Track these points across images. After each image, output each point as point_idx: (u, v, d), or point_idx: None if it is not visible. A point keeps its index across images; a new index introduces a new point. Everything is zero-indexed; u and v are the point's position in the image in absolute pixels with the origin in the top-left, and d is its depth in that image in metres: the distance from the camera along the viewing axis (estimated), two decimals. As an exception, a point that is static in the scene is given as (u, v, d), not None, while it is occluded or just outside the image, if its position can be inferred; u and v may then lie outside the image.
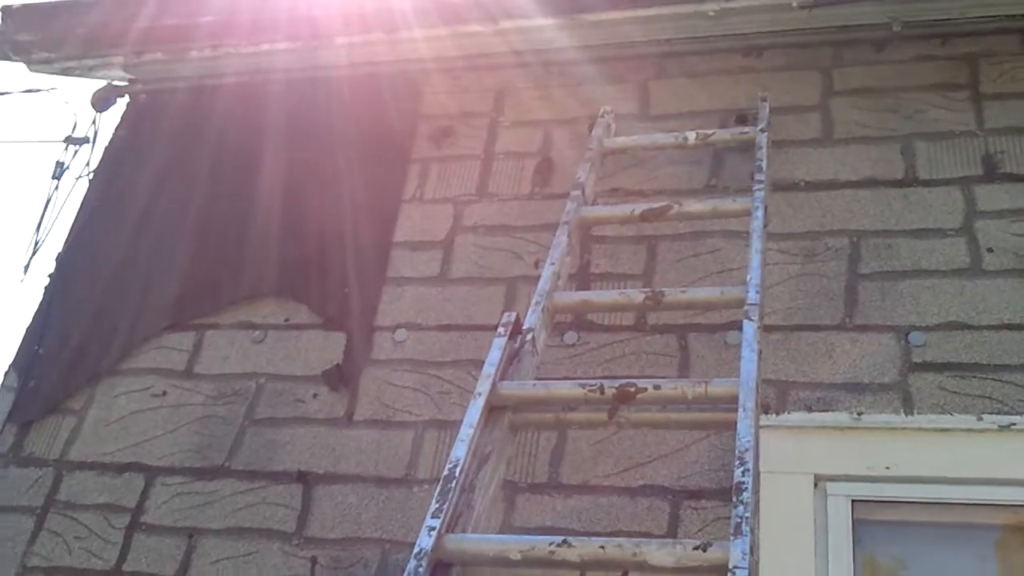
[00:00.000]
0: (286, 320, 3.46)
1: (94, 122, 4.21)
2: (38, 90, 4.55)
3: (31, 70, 4.27)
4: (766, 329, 2.94)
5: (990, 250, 2.94)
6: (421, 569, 1.84)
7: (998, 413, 2.67)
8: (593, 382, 2.24)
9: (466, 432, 2.12)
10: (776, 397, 2.86)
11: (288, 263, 3.55)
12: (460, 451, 2.08)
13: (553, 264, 2.72)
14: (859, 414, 2.76)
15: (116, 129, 4.17)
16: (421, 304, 3.35)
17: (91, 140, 4.17)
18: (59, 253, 3.86)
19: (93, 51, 4.06)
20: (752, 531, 1.78)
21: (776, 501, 2.68)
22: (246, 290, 3.53)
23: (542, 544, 1.87)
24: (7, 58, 4.20)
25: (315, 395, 3.26)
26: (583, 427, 2.43)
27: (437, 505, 1.96)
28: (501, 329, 2.40)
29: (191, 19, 3.89)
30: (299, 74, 3.99)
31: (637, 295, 2.59)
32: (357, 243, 3.53)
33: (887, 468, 2.65)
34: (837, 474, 2.70)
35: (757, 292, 2.47)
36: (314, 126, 3.85)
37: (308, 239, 3.58)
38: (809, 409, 2.82)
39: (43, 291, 3.78)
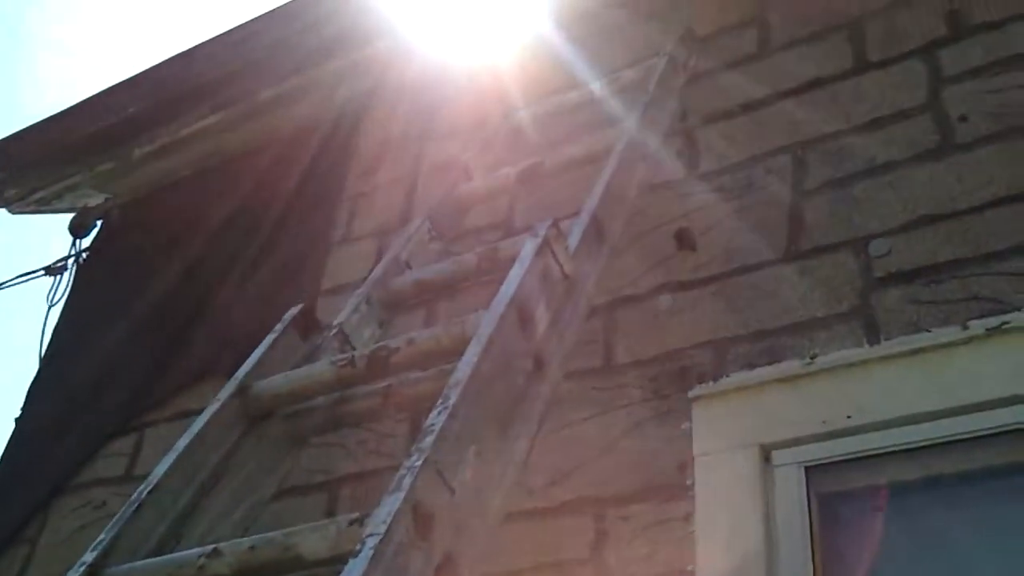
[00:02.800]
0: (218, 399, 3.10)
1: (72, 248, 4.09)
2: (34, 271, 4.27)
3: (12, 212, 4.25)
4: (702, 283, 2.36)
5: (963, 118, 2.25)
6: (42, 617, 1.37)
7: (992, 315, 1.95)
8: (342, 356, 1.74)
9: (179, 445, 1.67)
10: (713, 360, 2.23)
11: (222, 341, 3.21)
12: (159, 468, 1.62)
13: (394, 251, 2.25)
14: (812, 357, 2.10)
15: (88, 252, 4.05)
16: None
17: (70, 267, 4.03)
18: (29, 386, 3.70)
19: (50, 174, 3.98)
20: (425, 490, 1.23)
21: (719, 488, 2.05)
22: (182, 378, 3.22)
23: (191, 560, 1.38)
24: (-16, 203, 4.19)
25: (238, 473, 2.86)
26: (361, 420, 1.91)
27: (102, 536, 1.51)
28: (278, 326, 1.95)
29: (120, 114, 3.73)
30: (241, 146, 3.74)
31: (470, 259, 2.06)
32: (286, 302, 3.16)
33: (848, 417, 1.97)
34: (787, 439, 2.03)
35: (590, 213, 1.92)
36: (255, 195, 3.57)
37: (242, 311, 3.25)
38: (752, 366, 2.17)
39: (14, 424, 3.60)
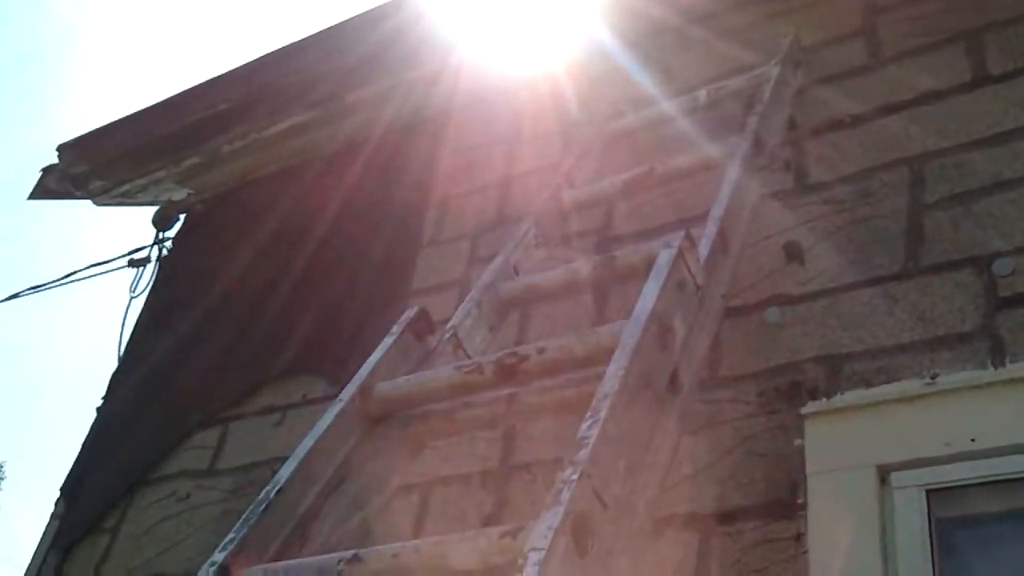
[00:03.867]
0: (304, 396, 3.10)
1: (157, 240, 4.12)
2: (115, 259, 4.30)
3: (97, 204, 4.29)
4: (812, 297, 2.31)
5: (1092, 137, 2.18)
6: (178, 616, 1.37)
7: None
8: (470, 361, 1.72)
9: (304, 446, 1.65)
10: (826, 376, 2.18)
11: (306, 337, 3.22)
12: (285, 470, 1.61)
13: (504, 256, 2.23)
14: (933, 377, 2.04)
15: (172, 245, 4.08)
16: (436, 352, 2.91)
17: (153, 260, 4.06)
18: (112, 374, 3.72)
19: (136, 168, 4.01)
20: (582, 504, 1.20)
21: (833, 508, 1.99)
22: (267, 372, 3.23)
23: (329, 565, 1.36)
24: (71, 195, 4.23)
25: (326, 472, 2.85)
26: (485, 426, 1.88)
27: (232, 536, 1.50)
28: (395, 327, 1.94)
29: (209, 110, 3.75)
30: (326, 147, 3.75)
31: (584, 266, 2.04)
32: (373, 301, 3.16)
33: (972, 440, 1.91)
34: (907, 459, 1.97)
35: (717, 223, 1.89)
36: (339, 195, 3.57)
37: (327, 309, 3.26)
38: (868, 384, 2.12)
39: (96, 413, 3.63)
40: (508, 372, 1.64)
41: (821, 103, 2.64)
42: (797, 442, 2.11)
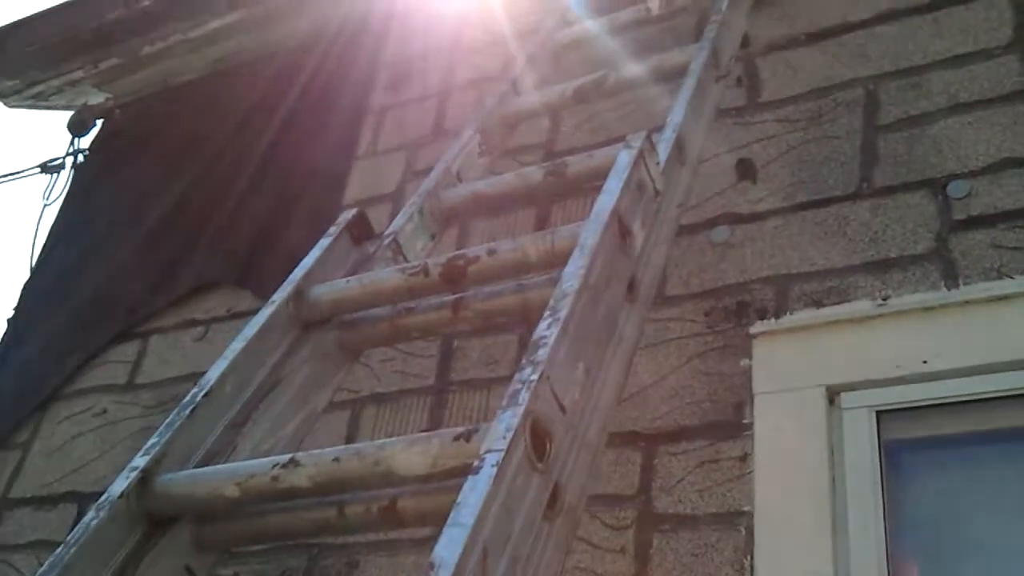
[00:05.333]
0: (228, 310, 2.97)
1: (71, 146, 3.91)
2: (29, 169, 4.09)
3: (7, 106, 4.05)
4: (763, 217, 2.25)
5: (1053, 59, 2.13)
6: (96, 522, 1.26)
7: (1081, 265, 1.86)
8: (415, 264, 1.62)
9: (233, 348, 1.54)
10: (776, 297, 2.13)
11: (233, 249, 3.08)
12: (214, 372, 1.49)
13: (446, 162, 2.11)
14: (884, 299, 2.00)
15: (88, 151, 3.87)
16: (369, 266, 2.79)
17: (67, 166, 3.85)
18: (24, 283, 3.54)
19: (51, 67, 3.78)
20: (541, 406, 1.12)
21: (780, 430, 1.95)
22: (189, 285, 3.09)
23: (263, 469, 1.26)
24: (-23, 94, 3.98)
25: (251, 387, 2.74)
26: (425, 333, 1.80)
27: (154, 440, 1.38)
28: (332, 228, 1.82)
29: (132, 7, 3.53)
30: (255, 51, 3.56)
31: (535, 173, 1.93)
32: (304, 214, 3.02)
33: (924, 362, 1.87)
34: (857, 380, 1.93)
35: (675, 130, 1.80)
36: (270, 103, 3.40)
37: (255, 222, 3.11)
38: (819, 304, 2.07)
39: (7, 324, 3.45)
40: (456, 275, 1.54)
41: (776, 19, 2.56)
42: (744, 362, 2.06)
